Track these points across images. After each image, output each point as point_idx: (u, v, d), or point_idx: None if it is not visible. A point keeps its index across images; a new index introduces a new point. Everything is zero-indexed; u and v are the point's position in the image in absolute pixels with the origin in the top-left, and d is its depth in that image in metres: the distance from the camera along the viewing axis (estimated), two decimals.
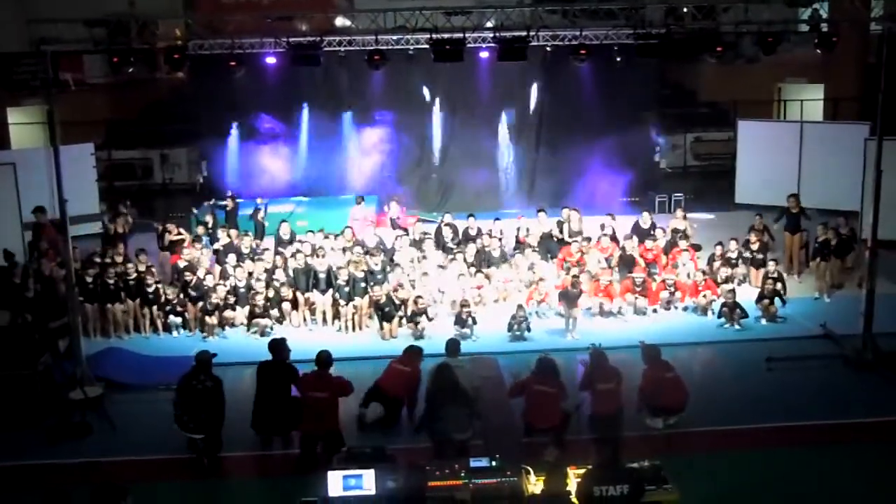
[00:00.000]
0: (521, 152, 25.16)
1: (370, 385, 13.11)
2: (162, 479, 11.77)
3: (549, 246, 19.22)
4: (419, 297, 16.55)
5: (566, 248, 18.83)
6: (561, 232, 19.69)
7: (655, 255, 18.27)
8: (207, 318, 16.38)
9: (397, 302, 16.47)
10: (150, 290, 16.80)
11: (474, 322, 16.16)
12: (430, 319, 16.30)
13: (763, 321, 16.63)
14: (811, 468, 11.58)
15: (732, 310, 16.44)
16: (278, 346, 12.60)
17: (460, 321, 16.08)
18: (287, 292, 16.81)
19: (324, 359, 12.04)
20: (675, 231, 19.19)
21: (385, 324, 16.35)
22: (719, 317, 16.64)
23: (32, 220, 18.57)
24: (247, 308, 16.69)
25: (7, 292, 16.02)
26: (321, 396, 11.78)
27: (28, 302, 15.85)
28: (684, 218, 19.74)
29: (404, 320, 16.49)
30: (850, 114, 26.06)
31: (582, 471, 8.74)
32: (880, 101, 14.81)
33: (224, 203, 21.03)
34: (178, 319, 16.68)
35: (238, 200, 21.22)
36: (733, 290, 16.78)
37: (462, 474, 9.20)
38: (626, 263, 18.04)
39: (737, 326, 16.43)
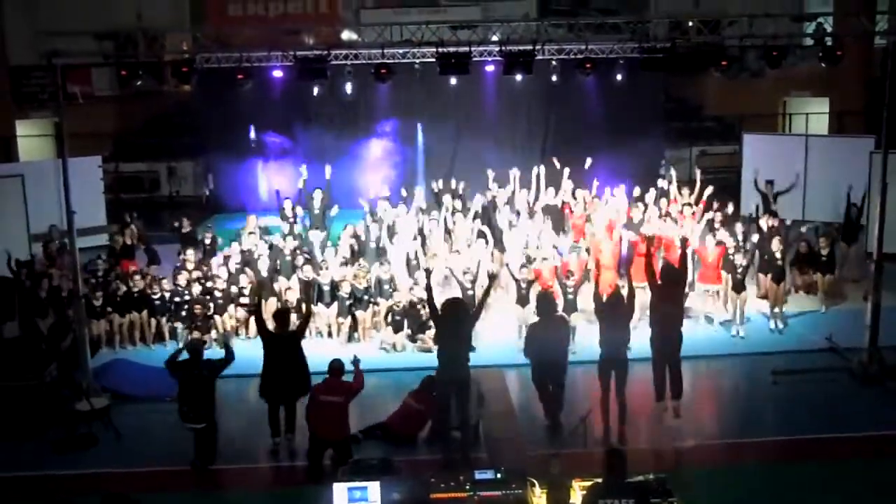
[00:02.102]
0: (525, 165, 25.15)
1: (371, 389, 13.11)
2: (167, 491, 11.76)
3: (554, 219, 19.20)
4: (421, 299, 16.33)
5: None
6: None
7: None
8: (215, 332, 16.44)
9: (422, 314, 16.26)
10: (157, 297, 16.82)
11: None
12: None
13: (773, 324, 16.78)
14: (817, 482, 11.55)
15: (738, 290, 16.56)
16: (283, 316, 13.00)
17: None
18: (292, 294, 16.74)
19: (336, 367, 12.11)
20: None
21: (396, 335, 16.31)
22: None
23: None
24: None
25: (18, 298, 16.14)
26: (335, 401, 11.81)
27: (41, 304, 15.92)
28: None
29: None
30: (855, 127, 26.10)
31: (587, 483, 8.75)
32: (885, 114, 14.84)
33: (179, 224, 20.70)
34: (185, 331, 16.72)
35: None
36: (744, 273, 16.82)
37: (467, 486, 9.21)
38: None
39: (741, 333, 16.56)
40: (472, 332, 12.58)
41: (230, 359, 12.51)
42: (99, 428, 13.14)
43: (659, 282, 13.14)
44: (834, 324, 16.93)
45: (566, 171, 20.27)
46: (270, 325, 13.17)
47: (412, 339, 16.37)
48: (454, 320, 12.13)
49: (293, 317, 14.56)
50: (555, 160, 20.74)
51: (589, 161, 20.72)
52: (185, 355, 12.42)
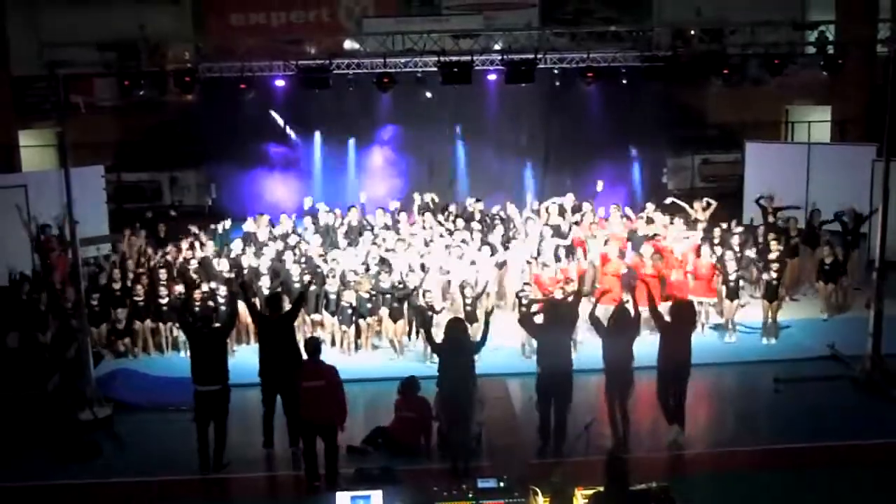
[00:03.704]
0: (528, 173, 25.25)
1: (367, 402, 13.07)
2: (170, 501, 11.76)
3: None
4: (427, 290, 16.22)
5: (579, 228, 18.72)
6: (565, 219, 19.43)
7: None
8: None
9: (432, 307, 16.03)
10: (164, 301, 16.72)
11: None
12: (437, 312, 15.81)
13: (765, 341, 16.69)
14: (820, 490, 11.52)
15: (731, 298, 16.52)
16: (275, 300, 13.19)
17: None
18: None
19: (313, 346, 11.95)
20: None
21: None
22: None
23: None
24: None
25: (17, 310, 16.14)
26: (317, 385, 11.57)
27: (41, 316, 15.94)
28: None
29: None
30: (857, 135, 26.10)
31: (590, 492, 8.74)
32: (887, 122, 14.83)
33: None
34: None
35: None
36: (737, 281, 16.75)
37: (470, 495, 9.22)
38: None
39: (733, 340, 16.68)
40: (473, 355, 12.38)
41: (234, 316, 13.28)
42: (102, 437, 13.13)
43: (668, 318, 13.01)
44: (836, 332, 16.90)
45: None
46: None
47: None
48: (455, 342, 12.04)
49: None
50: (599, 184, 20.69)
51: (601, 184, 20.62)
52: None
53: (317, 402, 11.57)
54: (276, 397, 12.69)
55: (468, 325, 13.09)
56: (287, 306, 13.49)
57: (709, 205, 19.59)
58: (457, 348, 11.98)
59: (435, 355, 15.03)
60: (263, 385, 12.76)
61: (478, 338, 12.75)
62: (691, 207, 19.58)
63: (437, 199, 20.98)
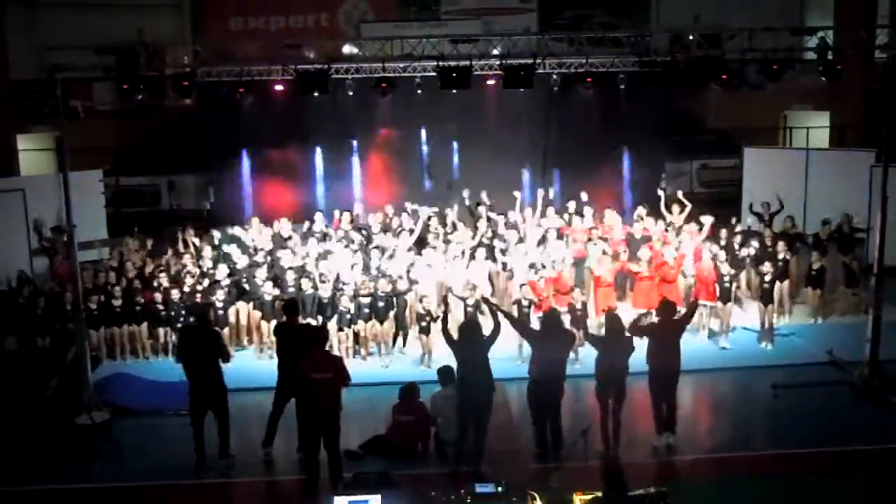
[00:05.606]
0: (527, 178, 25.23)
1: (362, 406, 13.06)
2: None
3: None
4: (424, 296, 16.25)
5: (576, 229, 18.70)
6: (570, 224, 19.39)
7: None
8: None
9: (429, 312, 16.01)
10: (161, 306, 16.71)
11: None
12: (434, 320, 15.74)
13: (763, 346, 16.68)
14: (818, 496, 11.50)
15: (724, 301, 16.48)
16: (293, 306, 13.09)
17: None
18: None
19: (322, 336, 11.96)
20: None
21: (423, 337, 16.13)
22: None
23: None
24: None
25: (15, 314, 16.13)
26: (326, 377, 11.39)
27: (38, 321, 15.92)
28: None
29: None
30: (856, 141, 26.11)
31: (588, 497, 8.74)
32: (886, 127, 14.84)
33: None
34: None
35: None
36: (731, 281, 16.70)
37: (468, 500, 9.21)
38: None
39: (727, 345, 16.63)
40: (487, 353, 12.18)
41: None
42: (100, 442, 13.11)
43: (656, 319, 13.02)
44: (834, 337, 16.92)
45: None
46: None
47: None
48: (470, 344, 12.00)
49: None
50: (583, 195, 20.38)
51: (585, 196, 20.58)
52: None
53: (324, 393, 11.43)
54: (288, 401, 12.61)
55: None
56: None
57: (683, 206, 19.55)
58: (472, 345, 11.93)
59: (434, 360, 15.18)
60: (279, 387, 12.68)
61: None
62: (669, 213, 19.55)
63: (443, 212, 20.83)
